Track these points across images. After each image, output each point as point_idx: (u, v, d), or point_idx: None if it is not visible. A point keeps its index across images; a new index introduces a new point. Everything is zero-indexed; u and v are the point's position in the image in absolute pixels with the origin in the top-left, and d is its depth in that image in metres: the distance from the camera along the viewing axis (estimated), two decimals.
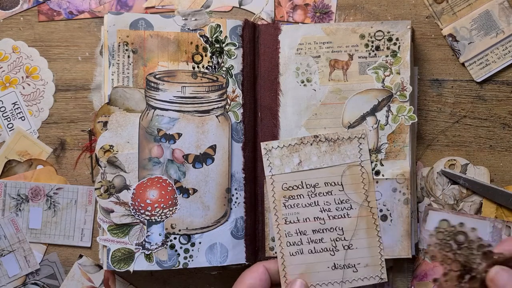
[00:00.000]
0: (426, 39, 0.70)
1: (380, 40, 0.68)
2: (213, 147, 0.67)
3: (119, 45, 0.67)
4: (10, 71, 0.71)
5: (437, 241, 0.55)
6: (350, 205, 0.67)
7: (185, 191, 0.67)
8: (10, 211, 0.70)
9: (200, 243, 0.67)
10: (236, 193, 0.68)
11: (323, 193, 0.67)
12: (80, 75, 0.71)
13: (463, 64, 0.70)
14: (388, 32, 0.67)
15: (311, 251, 0.66)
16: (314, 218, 0.67)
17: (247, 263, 0.68)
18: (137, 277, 0.70)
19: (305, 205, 0.67)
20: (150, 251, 0.66)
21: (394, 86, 0.67)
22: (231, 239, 0.68)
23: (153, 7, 0.71)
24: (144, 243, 0.66)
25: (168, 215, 0.67)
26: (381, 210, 0.67)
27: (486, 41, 0.69)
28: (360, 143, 0.67)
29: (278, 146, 0.67)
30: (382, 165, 0.67)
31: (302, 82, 0.68)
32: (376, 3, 0.71)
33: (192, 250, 0.67)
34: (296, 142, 0.67)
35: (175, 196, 0.67)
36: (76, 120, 0.71)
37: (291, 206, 0.67)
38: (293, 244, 0.66)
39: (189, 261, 0.67)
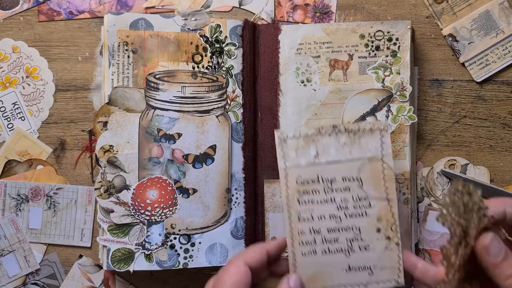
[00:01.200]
0: (426, 39, 0.70)
1: (380, 40, 0.68)
2: (213, 147, 0.67)
3: (119, 45, 0.67)
4: (10, 71, 0.71)
5: (450, 204, 0.51)
6: (369, 202, 0.61)
7: (185, 191, 0.67)
8: (10, 211, 0.70)
9: (200, 243, 0.67)
10: (236, 193, 0.68)
11: (341, 189, 0.61)
12: (80, 75, 0.71)
13: (463, 64, 0.70)
14: (388, 32, 0.67)
15: (325, 251, 0.61)
16: (330, 216, 0.61)
17: None
18: (137, 277, 0.70)
19: (321, 201, 0.61)
20: (150, 251, 0.66)
21: (394, 86, 0.67)
22: (231, 239, 0.68)
23: (153, 7, 0.71)
24: (144, 243, 0.66)
25: (168, 215, 0.67)
26: None
27: (486, 41, 0.69)
28: (382, 136, 0.61)
29: (294, 136, 0.61)
30: None
31: (302, 82, 0.68)
32: (376, 3, 0.71)
33: (192, 250, 0.67)
34: (314, 132, 0.61)
35: (175, 196, 0.67)
36: (76, 120, 0.71)
37: (305, 202, 0.61)
38: (306, 244, 0.61)
39: (189, 261, 0.67)
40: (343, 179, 0.61)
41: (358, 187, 0.61)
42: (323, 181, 0.61)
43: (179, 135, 0.67)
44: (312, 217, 0.61)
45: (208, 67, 0.68)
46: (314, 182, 0.61)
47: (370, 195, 0.61)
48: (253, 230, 0.69)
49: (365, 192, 0.61)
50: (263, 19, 0.71)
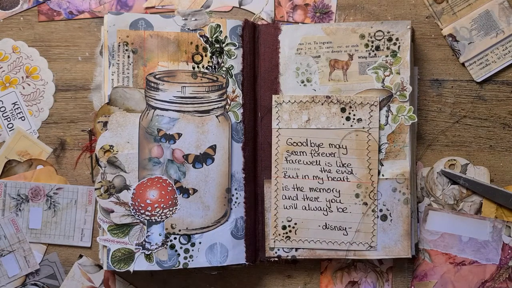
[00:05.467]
0: (426, 39, 0.70)
1: (380, 40, 0.68)
2: (213, 147, 0.67)
3: (119, 45, 0.67)
4: (10, 71, 0.71)
5: None
6: (351, 170, 0.67)
7: (185, 191, 0.67)
8: (10, 211, 0.70)
9: (200, 243, 0.67)
10: (236, 193, 0.68)
11: (326, 154, 0.67)
12: (80, 75, 0.71)
13: (463, 64, 0.70)
14: (388, 32, 0.67)
15: (305, 207, 0.67)
16: (313, 176, 0.67)
17: (247, 263, 0.68)
18: (137, 277, 0.70)
19: (307, 162, 0.67)
20: (150, 251, 0.66)
21: (394, 86, 0.67)
22: (231, 239, 0.68)
23: (153, 7, 0.71)
24: (144, 243, 0.66)
25: (168, 215, 0.67)
26: (381, 210, 0.67)
27: (486, 41, 0.69)
28: (372, 110, 0.67)
29: (289, 101, 0.67)
30: (382, 165, 0.67)
31: (302, 82, 0.68)
32: (376, 3, 0.71)
33: (192, 250, 0.67)
34: (308, 99, 0.67)
35: (175, 196, 0.67)
36: (76, 120, 0.71)
37: (292, 161, 0.67)
38: (289, 198, 0.67)
39: (189, 261, 0.67)
40: (329, 145, 0.67)
41: (343, 154, 0.67)
42: (311, 144, 0.67)
43: (179, 135, 0.67)
44: (297, 175, 0.67)
45: (208, 67, 0.68)
46: (302, 144, 0.67)
47: (353, 162, 0.67)
48: (253, 230, 0.69)
49: (349, 160, 0.67)
50: (263, 19, 0.71)
